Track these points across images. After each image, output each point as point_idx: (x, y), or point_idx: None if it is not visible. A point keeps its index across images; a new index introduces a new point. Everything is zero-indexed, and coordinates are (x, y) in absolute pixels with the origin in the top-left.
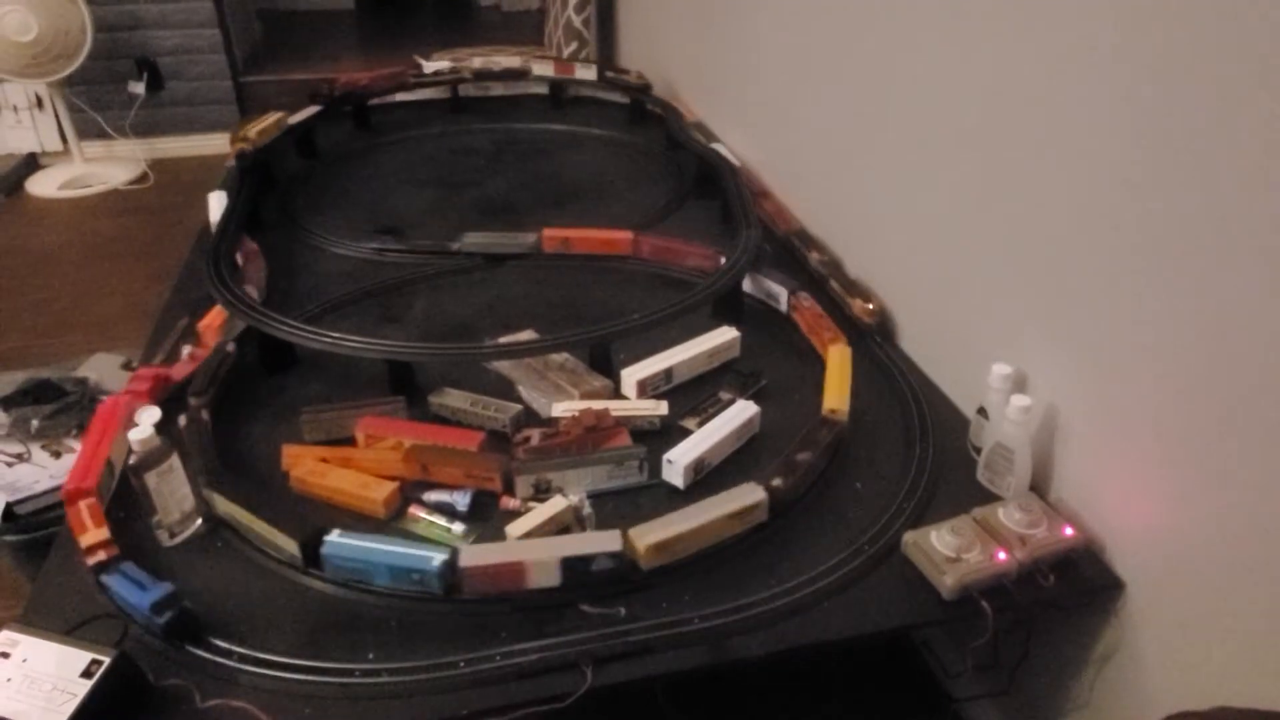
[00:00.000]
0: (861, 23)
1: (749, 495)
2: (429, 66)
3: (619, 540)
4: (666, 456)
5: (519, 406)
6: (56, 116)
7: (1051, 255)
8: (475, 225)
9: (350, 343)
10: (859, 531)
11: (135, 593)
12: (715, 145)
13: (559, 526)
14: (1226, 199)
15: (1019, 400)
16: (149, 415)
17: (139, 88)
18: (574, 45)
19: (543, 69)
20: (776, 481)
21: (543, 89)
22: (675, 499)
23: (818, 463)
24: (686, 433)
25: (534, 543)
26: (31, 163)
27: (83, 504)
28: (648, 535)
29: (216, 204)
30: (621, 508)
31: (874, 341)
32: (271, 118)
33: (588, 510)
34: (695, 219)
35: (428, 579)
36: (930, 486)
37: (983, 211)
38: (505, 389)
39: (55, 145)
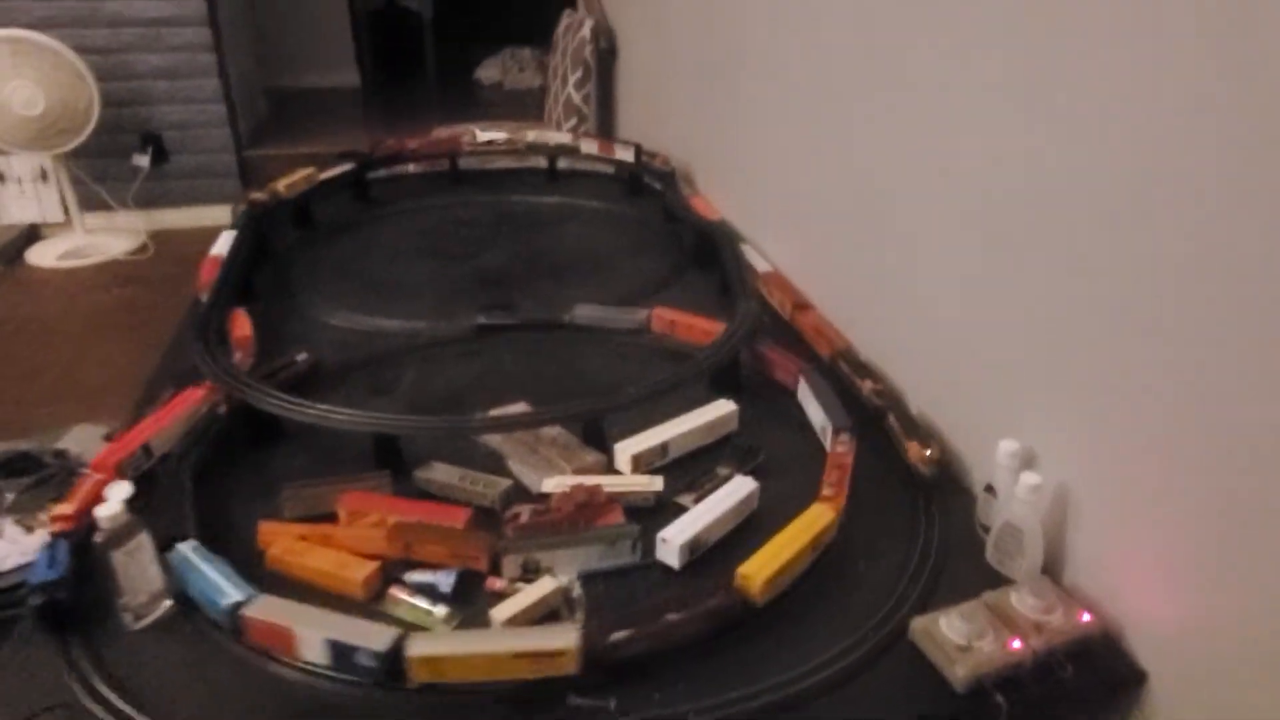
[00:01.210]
0: (867, 103)
1: (556, 638)
2: (482, 135)
3: (388, 639)
4: (660, 535)
5: (508, 482)
6: (60, 188)
7: (1059, 328)
8: (474, 297)
9: (336, 416)
10: (862, 618)
11: (43, 567)
12: (742, 245)
13: (547, 610)
14: (1248, 272)
15: (1028, 478)
16: (119, 490)
17: (143, 160)
18: (573, 120)
19: (588, 146)
20: (618, 635)
21: (540, 162)
22: (671, 580)
23: (685, 627)
24: (683, 510)
25: (313, 613)
26: (32, 233)
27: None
28: (421, 646)
29: (224, 243)
30: (614, 590)
31: (920, 492)
32: (301, 173)
33: (578, 592)
34: (694, 291)
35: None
36: (937, 568)
37: (989, 286)
38: (495, 464)
39: (57, 216)
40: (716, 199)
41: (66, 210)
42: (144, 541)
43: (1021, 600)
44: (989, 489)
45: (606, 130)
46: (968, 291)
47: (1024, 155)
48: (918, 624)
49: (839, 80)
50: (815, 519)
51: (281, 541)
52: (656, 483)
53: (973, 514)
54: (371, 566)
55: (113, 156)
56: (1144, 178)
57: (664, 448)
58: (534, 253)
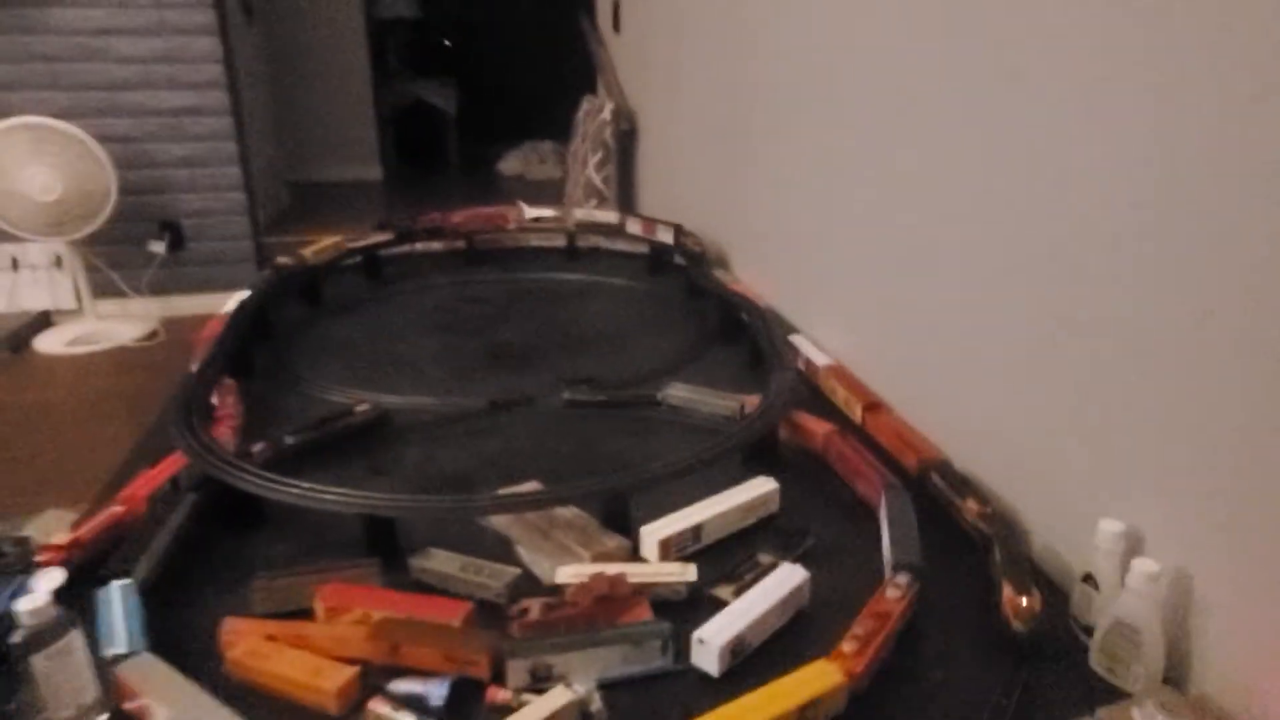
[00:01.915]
0: (910, 163)
1: None
2: (530, 212)
3: None
4: (697, 635)
5: (517, 571)
6: (73, 275)
7: (1169, 380)
8: (484, 372)
9: (322, 495)
10: (982, 681)
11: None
12: (794, 337)
13: None
14: None
15: (1143, 565)
16: (48, 579)
17: (159, 247)
18: (593, 202)
19: (633, 226)
20: None
21: (560, 241)
22: (709, 689)
23: None
24: (721, 604)
25: (183, 691)
26: (43, 320)
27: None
28: None
29: (234, 302)
30: (641, 701)
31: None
32: (329, 240)
33: (597, 705)
34: (722, 365)
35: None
36: (1030, 677)
37: (1074, 338)
38: (504, 551)
39: (69, 304)
40: (757, 284)
41: (79, 297)
42: (74, 642)
43: (1149, 717)
44: (1087, 579)
45: (627, 210)
46: (1047, 346)
47: (1084, 192)
48: None
49: (879, 142)
50: (812, 681)
51: (246, 642)
52: (690, 572)
53: (1065, 610)
54: (348, 673)
55: (129, 243)
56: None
57: (697, 531)
58: (550, 328)
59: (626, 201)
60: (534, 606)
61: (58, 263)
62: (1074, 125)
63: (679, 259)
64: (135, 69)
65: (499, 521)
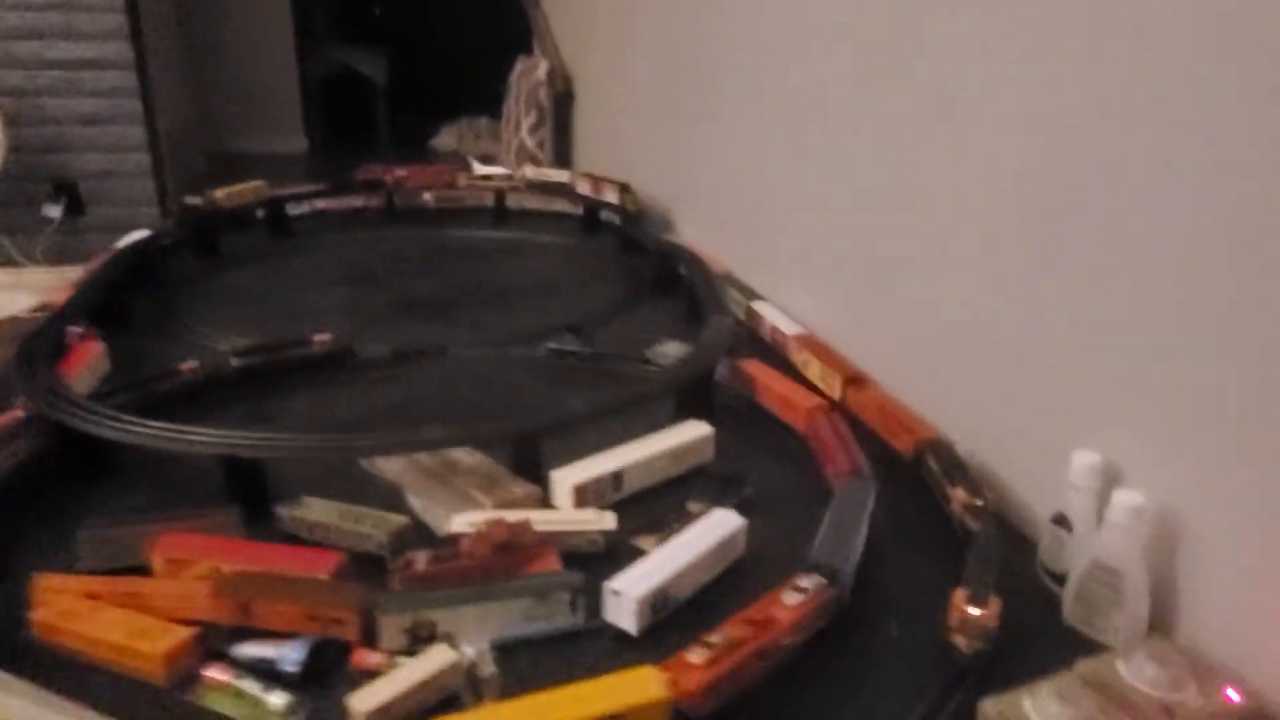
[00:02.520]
0: (869, 107)
1: None
2: (480, 169)
3: None
4: (610, 585)
5: (405, 520)
6: None
7: (1154, 290)
8: (395, 324)
9: (175, 436)
10: (904, 701)
11: None
12: (757, 304)
13: (439, 694)
14: None
15: (1126, 498)
16: None
17: (54, 211)
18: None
19: (583, 186)
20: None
21: (487, 200)
22: (625, 650)
23: None
24: (643, 556)
25: None
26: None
27: None
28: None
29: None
30: (544, 664)
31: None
32: (249, 184)
33: (489, 669)
34: (656, 317)
35: None
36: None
37: (1040, 250)
38: (398, 503)
39: None
40: (711, 249)
41: None
42: None
43: (1137, 671)
44: (1059, 520)
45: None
46: (1009, 258)
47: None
48: (991, 708)
49: (841, 92)
50: (624, 690)
51: (60, 601)
52: (607, 519)
53: (1032, 561)
54: (180, 635)
55: (22, 206)
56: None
57: (617, 478)
58: (471, 283)
59: (563, 165)
60: (420, 558)
61: None
62: (1040, 54)
63: (614, 217)
64: (28, 16)
65: (392, 469)
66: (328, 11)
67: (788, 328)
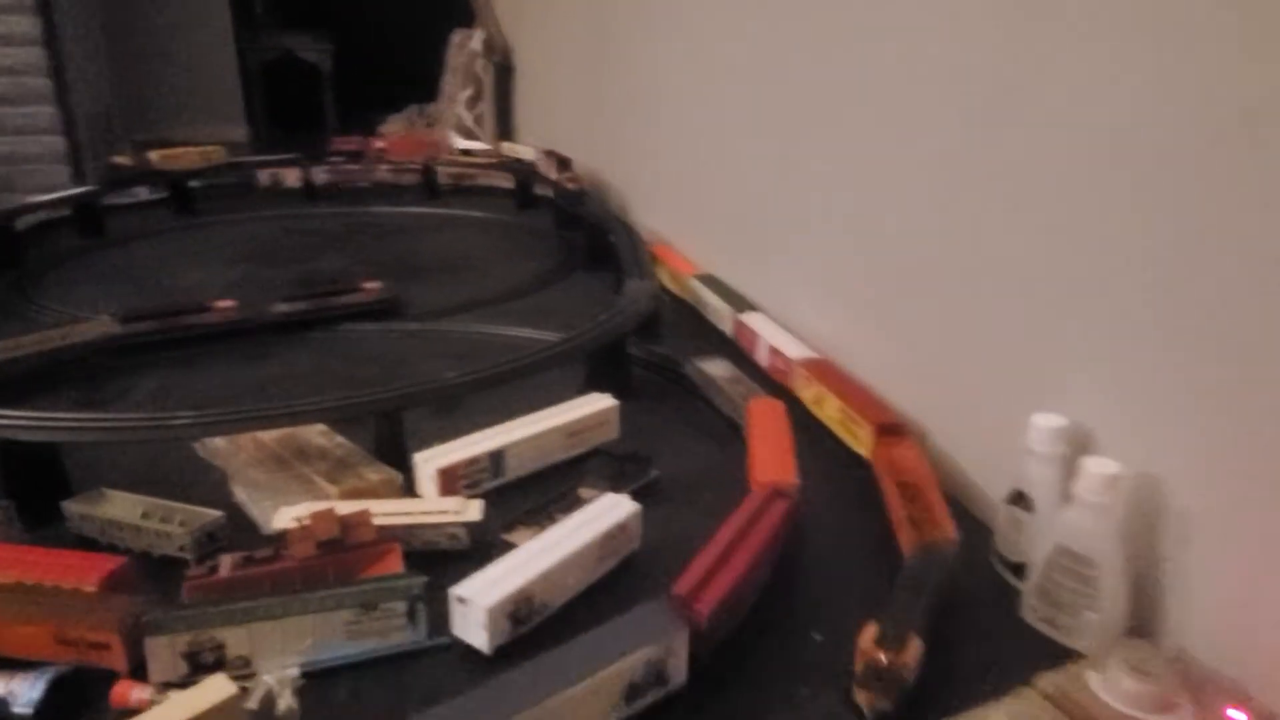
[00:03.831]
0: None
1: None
2: (462, 144)
3: None
4: (456, 591)
5: (217, 515)
6: None
7: (1135, 204)
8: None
9: None
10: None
11: None
12: (747, 316)
13: None
14: None
15: (1097, 467)
16: None
17: None
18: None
19: (545, 165)
20: None
21: (414, 178)
22: (476, 674)
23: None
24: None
25: None
26: None
27: None
28: None
29: None
30: (369, 693)
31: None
32: (194, 148)
33: (288, 702)
34: (585, 288)
35: None
36: (937, 634)
37: (994, 179)
38: (228, 496)
39: None
40: (683, 244)
41: None
42: None
43: (1114, 685)
44: (1017, 499)
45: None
46: (954, 193)
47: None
48: None
49: (800, 49)
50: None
51: None
52: (472, 509)
53: (986, 549)
54: None
55: None
56: None
57: (496, 460)
58: (384, 259)
59: (505, 140)
60: (226, 562)
61: None
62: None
63: (545, 192)
64: None
65: (223, 454)
66: None
67: (791, 348)
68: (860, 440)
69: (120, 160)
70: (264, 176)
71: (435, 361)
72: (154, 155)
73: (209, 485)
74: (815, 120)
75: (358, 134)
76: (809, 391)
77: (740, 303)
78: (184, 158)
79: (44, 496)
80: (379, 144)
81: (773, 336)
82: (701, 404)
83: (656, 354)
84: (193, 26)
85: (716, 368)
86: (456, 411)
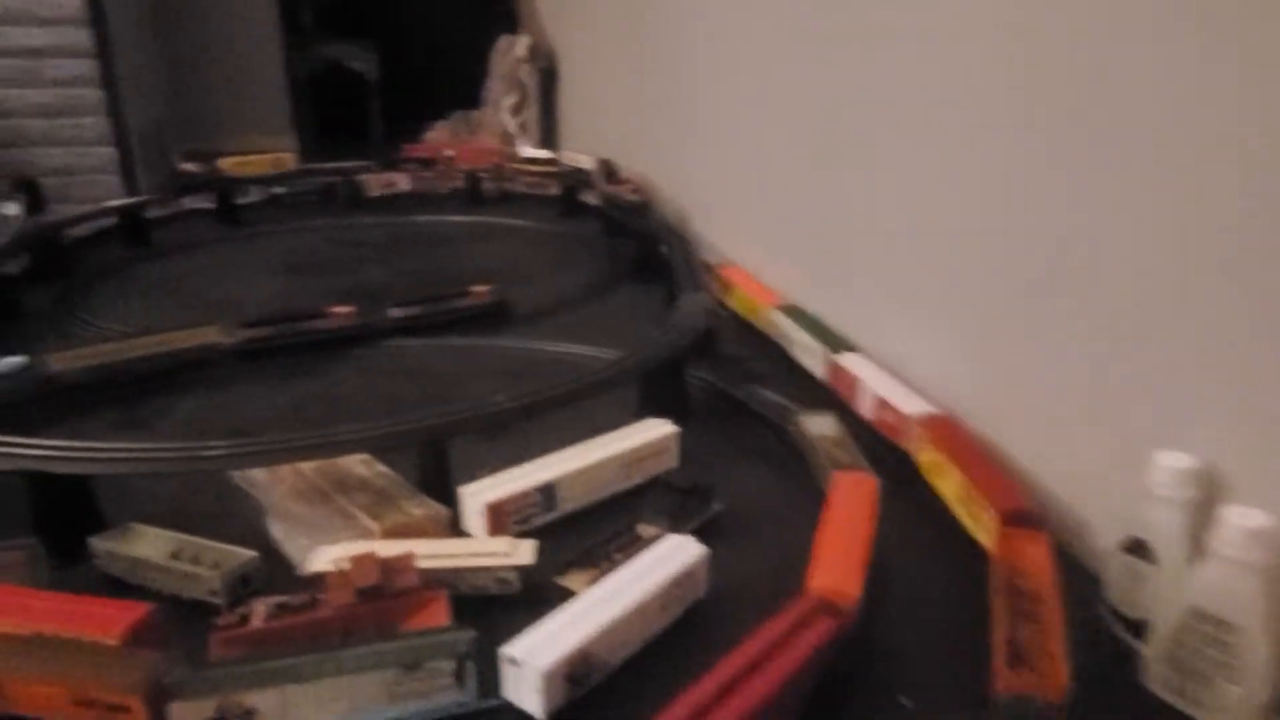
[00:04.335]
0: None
1: None
2: (526, 152)
3: None
4: (506, 652)
5: (251, 556)
6: None
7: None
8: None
9: None
10: None
11: None
12: (845, 357)
13: None
14: None
15: (1240, 517)
16: None
17: (12, 209)
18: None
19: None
20: None
21: (459, 184)
22: None
23: None
24: (569, 601)
25: None
26: None
27: None
28: None
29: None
30: None
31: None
32: (266, 156)
33: None
34: (635, 301)
35: None
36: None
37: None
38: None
39: None
40: (745, 259)
41: None
42: None
43: None
44: (1135, 547)
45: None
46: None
47: None
48: None
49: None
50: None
51: None
52: (523, 551)
53: (1095, 600)
54: None
55: None
56: None
57: (548, 493)
58: (427, 269)
59: (548, 148)
60: (259, 609)
61: None
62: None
63: (595, 200)
64: None
65: (261, 484)
66: (315, 6)
67: (904, 401)
68: (982, 526)
69: (188, 167)
70: (345, 185)
71: (481, 380)
72: (225, 162)
73: (245, 516)
74: (909, 124)
75: (409, 142)
76: (926, 456)
77: (835, 341)
78: (253, 165)
79: (73, 530)
80: (449, 151)
81: (879, 385)
82: (763, 427)
83: (759, 402)
84: (241, 37)
85: (821, 425)
86: (503, 435)
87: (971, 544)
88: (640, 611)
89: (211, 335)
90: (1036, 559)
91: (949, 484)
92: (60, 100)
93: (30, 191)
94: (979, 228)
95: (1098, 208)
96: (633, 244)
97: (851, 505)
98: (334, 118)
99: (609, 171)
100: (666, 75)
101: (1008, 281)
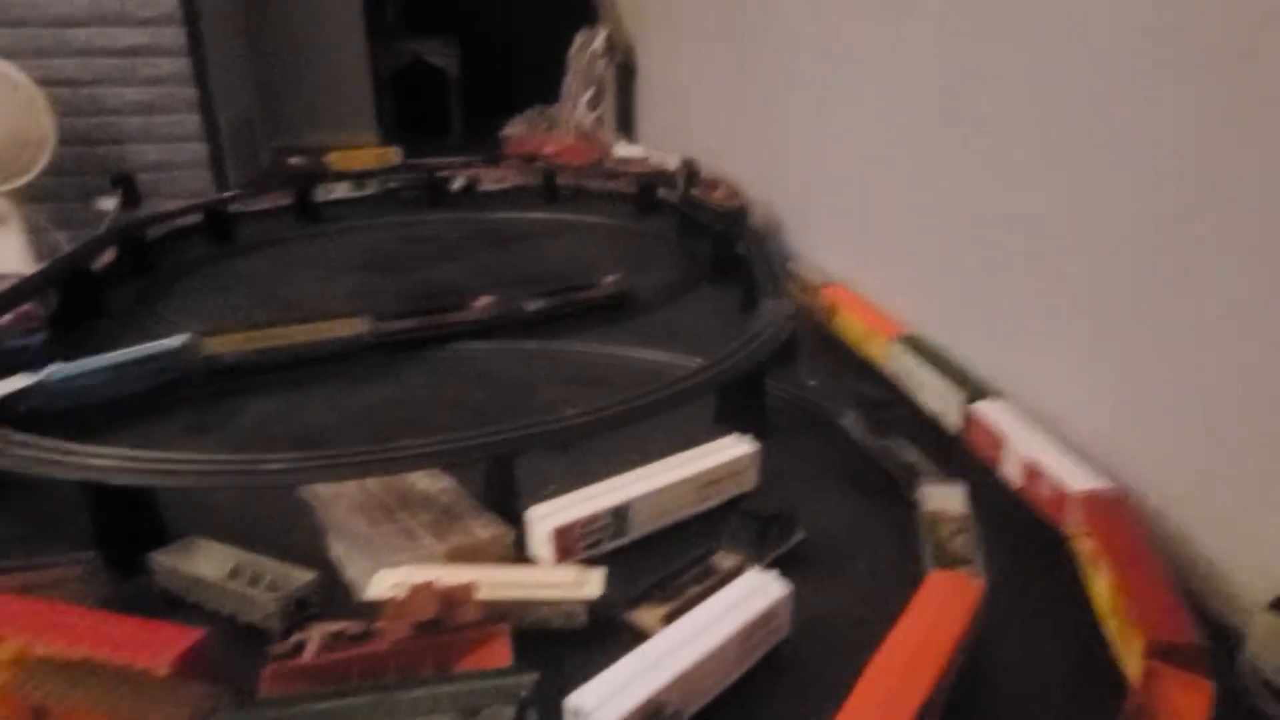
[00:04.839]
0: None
1: None
2: (621, 151)
3: None
4: (572, 702)
5: (309, 578)
6: (21, 235)
7: None
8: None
9: (17, 453)
10: None
11: None
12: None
13: None
14: None
15: None
16: None
17: (109, 205)
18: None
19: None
20: None
21: (536, 180)
22: None
23: None
24: (644, 637)
25: None
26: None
27: None
28: None
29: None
30: None
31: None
32: (374, 151)
33: None
34: (712, 305)
35: None
36: None
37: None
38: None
39: (18, 266)
40: (845, 273)
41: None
42: None
43: None
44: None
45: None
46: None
47: None
48: None
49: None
50: None
51: None
52: (591, 582)
53: (1234, 661)
54: None
55: (73, 200)
56: None
57: (619, 516)
58: (500, 267)
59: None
60: (314, 637)
61: (1, 221)
62: None
63: (670, 197)
64: (78, 2)
65: (322, 496)
66: (399, 2)
67: (1063, 473)
68: (1131, 652)
69: (294, 161)
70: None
71: (552, 387)
72: (332, 156)
73: (309, 528)
74: (1065, 118)
75: (488, 136)
76: (1085, 545)
77: (972, 385)
78: (358, 159)
79: (134, 542)
80: (548, 149)
81: (1030, 445)
82: (850, 446)
83: (892, 459)
84: (328, 34)
85: (945, 498)
86: (571, 448)
87: (1114, 672)
88: (718, 656)
89: (357, 326)
90: (1188, 713)
91: (1101, 589)
92: (155, 98)
93: (126, 187)
94: (1170, 239)
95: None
96: (709, 243)
97: (933, 622)
98: (413, 112)
99: (692, 172)
100: (758, 67)
101: (1191, 317)
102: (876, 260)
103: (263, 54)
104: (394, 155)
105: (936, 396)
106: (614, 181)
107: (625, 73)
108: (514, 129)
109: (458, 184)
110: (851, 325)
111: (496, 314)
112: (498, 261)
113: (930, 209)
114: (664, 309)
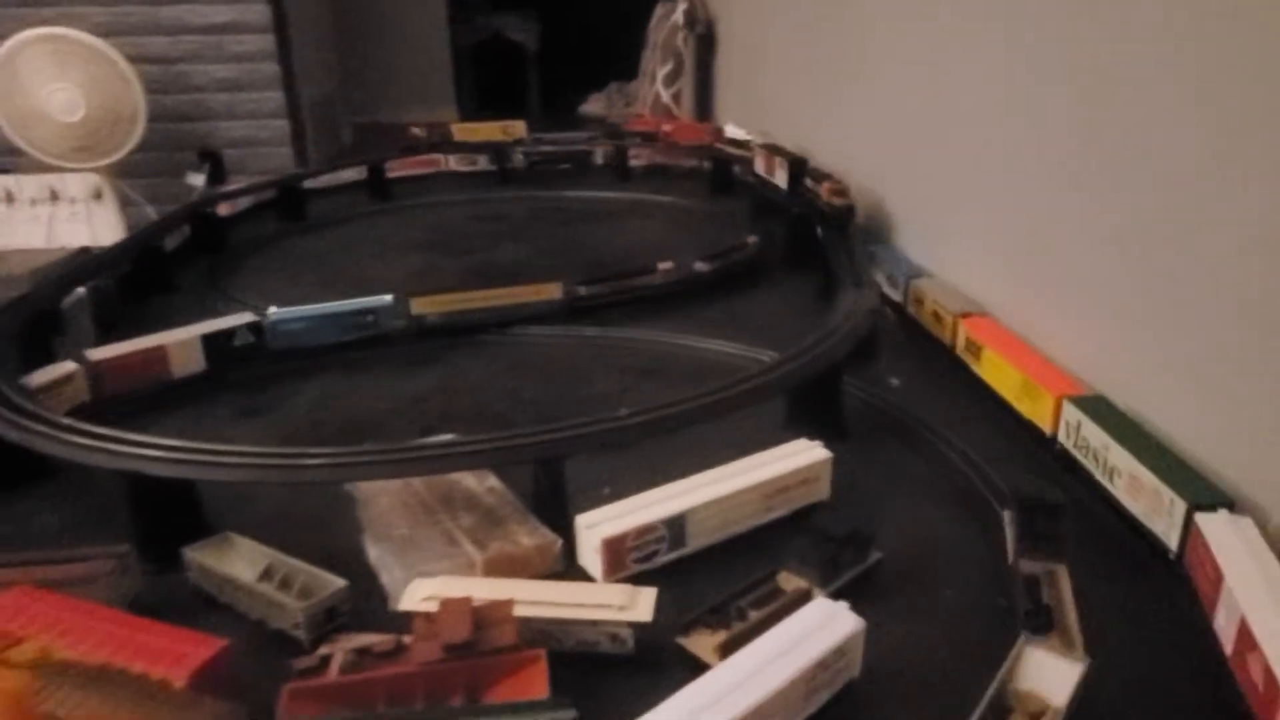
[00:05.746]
0: None
1: None
2: (733, 132)
3: None
4: None
5: (340, 585)
6: (115, 210)
7: None
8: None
9: (57, 438)
10: None
11: None
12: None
13: None
14: None
15: None
16: None
17: (197, 179)
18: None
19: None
20: None
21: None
22: None
23: None
24: (701, 668)
25: None
26: (81, 256)
27: None
28: None
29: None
30: None
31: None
32: (498, 124)
33: None
34: (785, 292)
35: None
36: None
37: None
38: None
39: (110, 239)
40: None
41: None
42: None
43: None
44: None
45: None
46: None
47: None
48: None
49: None
50: None
51: None
52: (640, 604)
53: None
54: None
55: (164, 176)
56: None
57: (675, 527)
58: (566, 248)
59: (703, 119)
60: (337, 654)
61: (97, 195)
62: None
63: (748, 177)
64: None
65: (364, 491)
66: None
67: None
68: None
69: (416, 132)
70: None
71: (610, 378)
72: (455, 128)
73: (348, 525)
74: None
75: (566, 112)
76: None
77: (1196, 484)
78: (482, 132)
79: (172, 533)
80: (667, 127)
81: (1252, 600)
82: (934, 454)
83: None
84: (410, 10)
85: (1053, 675)
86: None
87: None
88: (781, 698)
89: (551, 291)
90: None
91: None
92: (240, 74)
93: (213, 163)
94: None
95: None
96: (785, 226)
97: None
98: (490, 88)
99: (798, 162)
100: (862, 39)
101: None
102: (1031, 284)
103: (344, 31)
104: (520, 129)
105: (1142, 493)
106: (688, 160)
107: (705, 44)
108: (591, 105)
109: (637, 162)
110: (1003, 373)
111: (675, 279)
112: (563, 241)
113: (1118, 220)
114: (733, 295)
